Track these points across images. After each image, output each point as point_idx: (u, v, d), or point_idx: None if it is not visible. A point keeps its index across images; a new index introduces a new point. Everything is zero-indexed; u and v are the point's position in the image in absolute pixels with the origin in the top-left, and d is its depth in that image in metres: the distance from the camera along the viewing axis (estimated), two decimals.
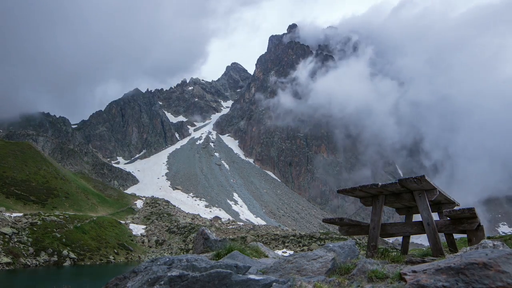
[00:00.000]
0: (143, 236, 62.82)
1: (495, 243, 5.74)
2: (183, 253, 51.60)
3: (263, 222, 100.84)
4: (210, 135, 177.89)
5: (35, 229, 44.10)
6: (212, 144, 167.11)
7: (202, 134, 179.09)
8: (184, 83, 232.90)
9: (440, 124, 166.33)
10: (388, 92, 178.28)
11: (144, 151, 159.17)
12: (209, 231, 11.38)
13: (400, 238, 9.14)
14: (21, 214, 48.38)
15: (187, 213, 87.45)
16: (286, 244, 55.28)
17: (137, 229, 65.36)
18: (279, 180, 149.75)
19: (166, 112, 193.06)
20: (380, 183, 7.29)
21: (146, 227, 67.87)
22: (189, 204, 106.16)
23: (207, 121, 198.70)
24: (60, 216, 50.83)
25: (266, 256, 8.84)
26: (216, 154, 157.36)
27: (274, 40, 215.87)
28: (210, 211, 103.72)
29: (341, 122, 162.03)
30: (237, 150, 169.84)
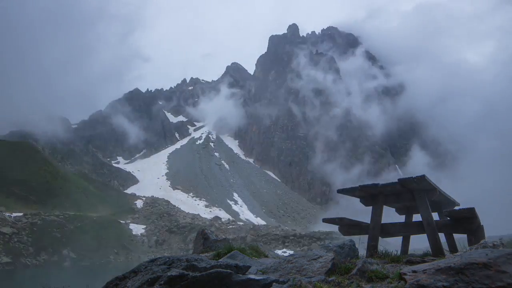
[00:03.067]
0: (143, 236, 62.85)
1: (495, 243, 5.74)
2: (183, 253, 51.61)
3: (263, 222, 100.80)
4: (210, 135, 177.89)
5: (35, 229, 44.10)
6: (212, 144, 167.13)
7: (202, 134, 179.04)
8: (184, 82, 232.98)
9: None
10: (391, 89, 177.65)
11: (144, 151, 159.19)
12: (209, 231, 11.38)
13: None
14: (21, 214, 48.39)
15: (187, 213, 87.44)
16: (286, 244, 55.29)
17: (137, 229, 65.39)
18: (279, 180, 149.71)
19: (166, 112, 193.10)
20: (380, 183, 7.30)
21: (146, 227, 67.90)
22: (189, 204, 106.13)
23: (207, 121, 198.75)
24: (60, 216, 50.84)
25: (266, 256, 8.83)
26: (216, 154, 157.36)
27: (274, 40, 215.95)
28: (210, 211, 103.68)
29: (341, 122, 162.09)
30: (237, 150, 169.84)
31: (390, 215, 8.62)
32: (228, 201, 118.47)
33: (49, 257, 40.13)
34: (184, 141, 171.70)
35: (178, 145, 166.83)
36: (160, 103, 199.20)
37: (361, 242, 7.25)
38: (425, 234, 7.00)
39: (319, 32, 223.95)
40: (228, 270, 4.57)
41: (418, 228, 7.35)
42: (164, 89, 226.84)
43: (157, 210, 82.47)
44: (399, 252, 7.61)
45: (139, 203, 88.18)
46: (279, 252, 46.55)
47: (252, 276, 4.73)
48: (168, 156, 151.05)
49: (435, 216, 7.89)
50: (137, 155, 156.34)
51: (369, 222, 7.67)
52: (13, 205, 54.66)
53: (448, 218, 7.03)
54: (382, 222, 7.57)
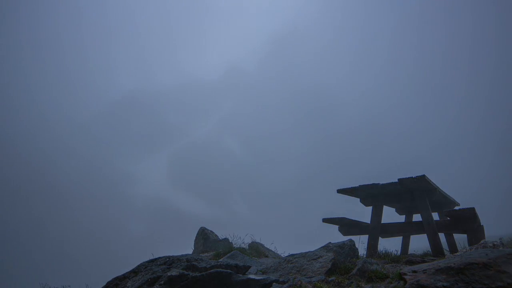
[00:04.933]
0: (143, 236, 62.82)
1: (495, 243, 5.73)
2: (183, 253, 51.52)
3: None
4: (210, 135, 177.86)
5: None
6: (212, 144, 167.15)
7: (202, 134, 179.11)
8: (185, 82, 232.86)
9: None
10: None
11: (145, 150, 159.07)
12: (209, 231, 11.37)
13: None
14: None
15: (187, 213, 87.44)
16: None
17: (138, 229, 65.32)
18: None
19: (166, 112, 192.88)
20: (380, 183, 7.29)
21: (147, 227, 67.85)
22: (189, 204, 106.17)
23: (208, 121, 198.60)
24: None
25: (266, 256, 8.84)
26: (216, 154, 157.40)
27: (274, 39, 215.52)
28: (211, 211, 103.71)
29: (340, 121, 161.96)
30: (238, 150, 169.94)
31: (390, 215, 8.63)
32: (229, 200, 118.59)
33: None
34: (185, 140, 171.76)
35: (178, 146, 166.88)
36: (162, 102, 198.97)
37: (361, 242, 7.24)
38: (425, 234, 6.99)
39: None
40: (228, 270, 4.56)
41: (418, 228, 7.35)
42: (165, 89, 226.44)
43: (157, 210, 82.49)
44: (399, 252, 7.61)
45: (140, 203, 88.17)
46: (279, 252, 46.44)
47: (252, 276, 4.73)
48: (168, 156, 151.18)
49: (435, 216, 7.89)
50: (138, 155, 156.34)
51: (369, 222, 7.68)
52: None
53: (448, 218, 7.02)
54: (382, 222, 7.57)
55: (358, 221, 7.94)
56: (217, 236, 11.12)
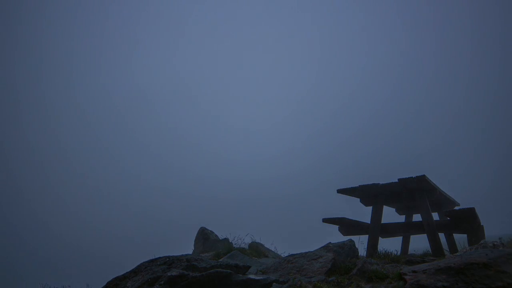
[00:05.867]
0: None
1: (495, 243, 5.73)
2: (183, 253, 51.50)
3: None
4: (210, 136, 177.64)
5: None
6: (211, 144, 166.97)
7: (202, 134, 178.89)
8: (185, 83, 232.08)
9: None
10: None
11: (145, 149, 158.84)
12: (209, 231, 11.37)
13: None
14: None
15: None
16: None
17: None
18: None
19: (166, 111, 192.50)
20: (380, 183, 7.29)
21: None
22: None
23: (207, 120, 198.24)
24: None
25: (266, 256, 8.83)
26: (215, 153, 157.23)
27: None
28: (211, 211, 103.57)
29: (340, 120, 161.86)
30: None
31: (390, 215, 8.62)
32: (229, 201, 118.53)
33: None
34: (185, 139, 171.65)
35: None
36: (162, 102, 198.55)
37: (361, 242, 7.25)
38: (425, 234, 6.99)
39: None
40: (228, 270, 4.56)
41: (418, 228, 7.34)
42: (166, 89, 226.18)
43: (157, 209, 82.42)
44: (399, 252, 7.61)
45: (140, 202, 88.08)
46: (279, 252, 46.40)
47: (252, 276, 4.73)
48: (169, 155, 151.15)
49: (435, 216, 7.88)
50: (138, 154, 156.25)
51: (369, 222, 7.67)
52: None
53: (448, 218, 7.02)
54: (382, 222, 7.57)
55: (358, 221, 7.93)
56: (217, 236, 11.11)
